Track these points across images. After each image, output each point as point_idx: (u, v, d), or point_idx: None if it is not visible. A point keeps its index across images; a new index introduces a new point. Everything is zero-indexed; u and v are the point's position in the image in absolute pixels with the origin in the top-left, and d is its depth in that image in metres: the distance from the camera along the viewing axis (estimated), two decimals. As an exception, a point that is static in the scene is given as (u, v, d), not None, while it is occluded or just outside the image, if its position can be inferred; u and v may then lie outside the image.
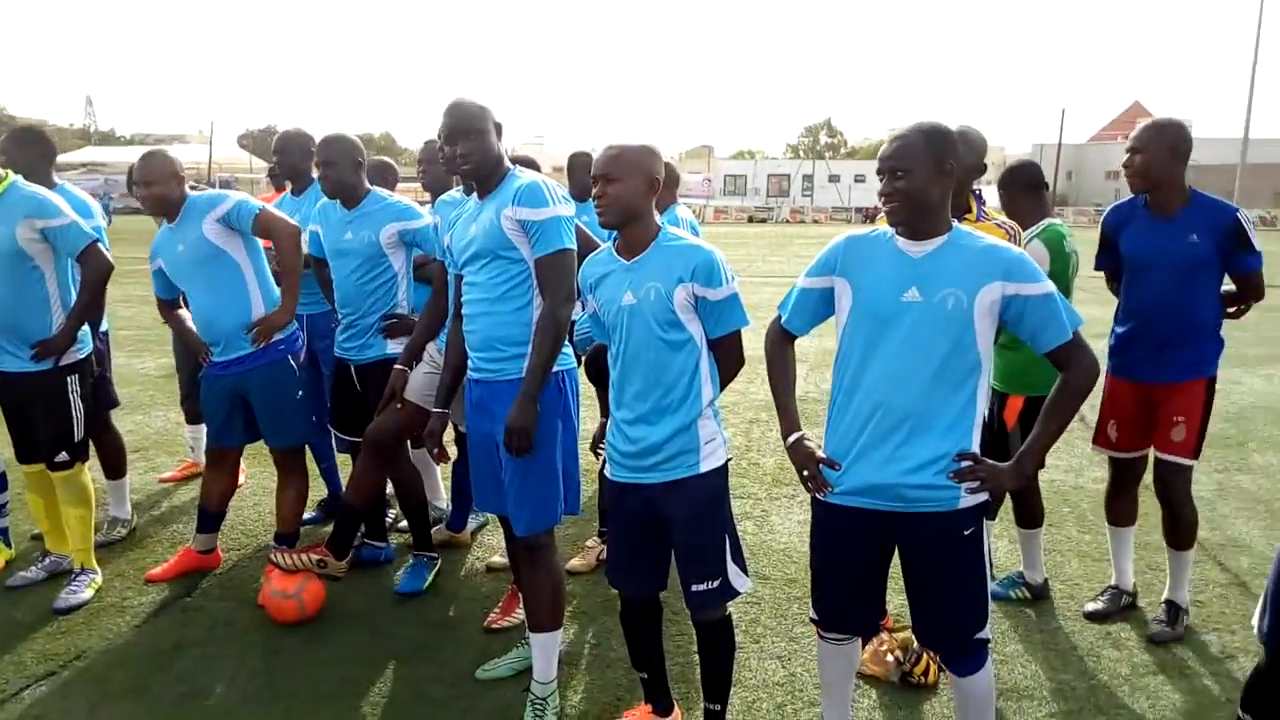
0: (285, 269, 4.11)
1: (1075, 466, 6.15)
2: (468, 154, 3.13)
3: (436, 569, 4.34)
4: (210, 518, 4.47)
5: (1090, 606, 4.06)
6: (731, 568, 2.86)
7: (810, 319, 2.76)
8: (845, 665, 2.85)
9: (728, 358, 2.89)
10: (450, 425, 3.59)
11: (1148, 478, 3.98)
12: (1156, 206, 3.72)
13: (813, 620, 2.80)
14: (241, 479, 5.73)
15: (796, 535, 4.94)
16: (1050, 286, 2.46)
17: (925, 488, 2.49)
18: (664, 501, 2.83)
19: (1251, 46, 43.35)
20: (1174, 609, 3.87)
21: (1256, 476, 5.95)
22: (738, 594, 2.89)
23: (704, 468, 2.82)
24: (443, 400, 3.42)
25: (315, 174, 4.87)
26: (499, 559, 4.47)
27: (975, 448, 2.54)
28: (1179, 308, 3.67)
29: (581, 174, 5.39)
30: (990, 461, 2.52)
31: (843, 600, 2.71)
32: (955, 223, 2.56)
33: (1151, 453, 3.91)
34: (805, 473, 2.66)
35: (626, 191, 2.76)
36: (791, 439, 2.70)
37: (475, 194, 3.26)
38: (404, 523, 4.92)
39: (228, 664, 3.63)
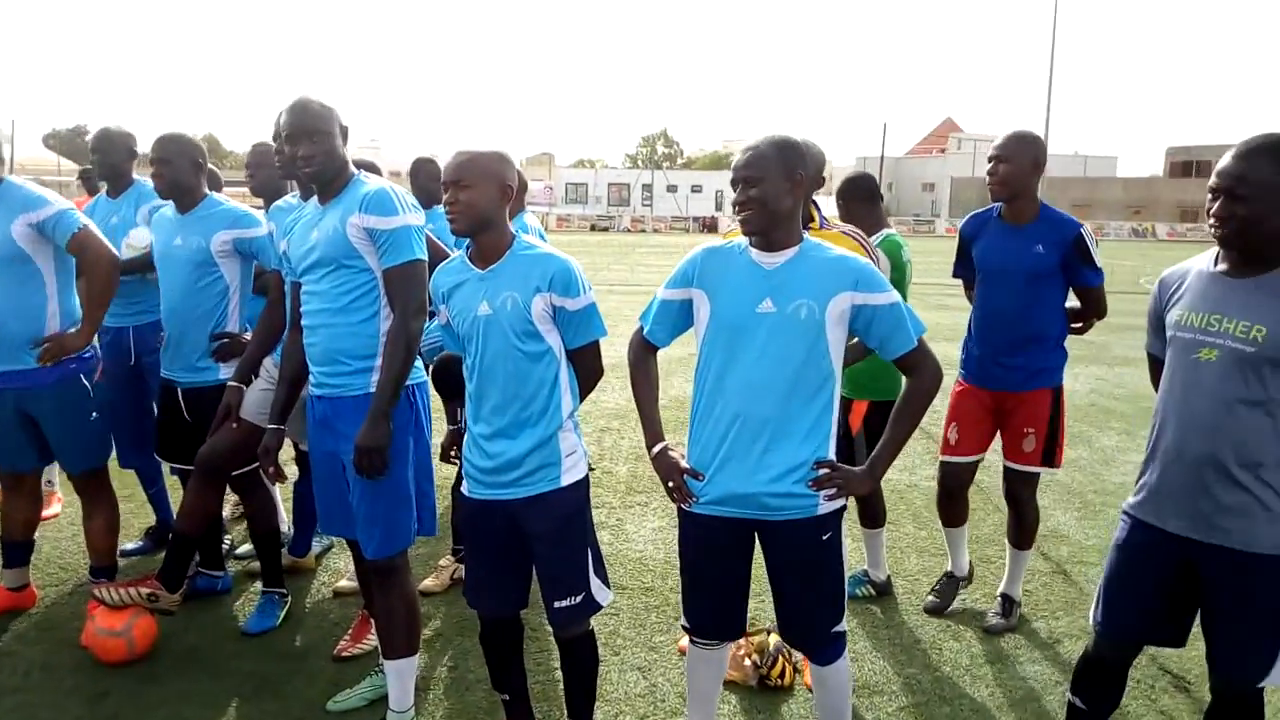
0: (92, 298, 3.76)
1: (909, 465, 6.44)
2: (310, 156, 2.98)
3: (287, 606, 4.07)
4: (17, 550, 4.06)
5: (929, 601, 4.22)
6: (594, 581, 2.82)
7: (671, 330, 2.78)
8: (716, 671, 2.88)
9: (587, 368, 2.85)
10: (289, 443, 3.39)
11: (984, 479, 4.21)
12: (1010, 217, 3.84)
13: (685, 629, 2.81)
14: (57, 507, 5.27)
15: (651, 543, 4.95)
16: (896, 296, 2.57)
17: (786, 496, 2.55)
18: (525, 517, 2.76)
19: (1048, 67, 47.13)
20: (1009, 602, 4.09)
21: (1069, 469, 6.38)
22: (600, 607, 2.87)
23: (565, 481, 2.77)
24: (278, 416, 3.25)
25: (136, 175, 4.55)
26: (346, 583, 4.27)
27: (832, 455, 2.61)
28: (1025, 316, 3.79)
29: (426, 180, 5.23)
30: (845, 467, 2.61)
31: (714, 607, 2.75)
32: (805, 234, 2.62)
33: (1002, 460, 4.03)
34: (670, 484, 2.67)
35: (479, 198, 2.69)
36: (656, 449, 2.71)
37: (315, 198, 3.10)
38: (242, 548, 4.64)
39: (46, 713, 3.30)
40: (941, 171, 69.37)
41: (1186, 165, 61.38)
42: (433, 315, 2.96)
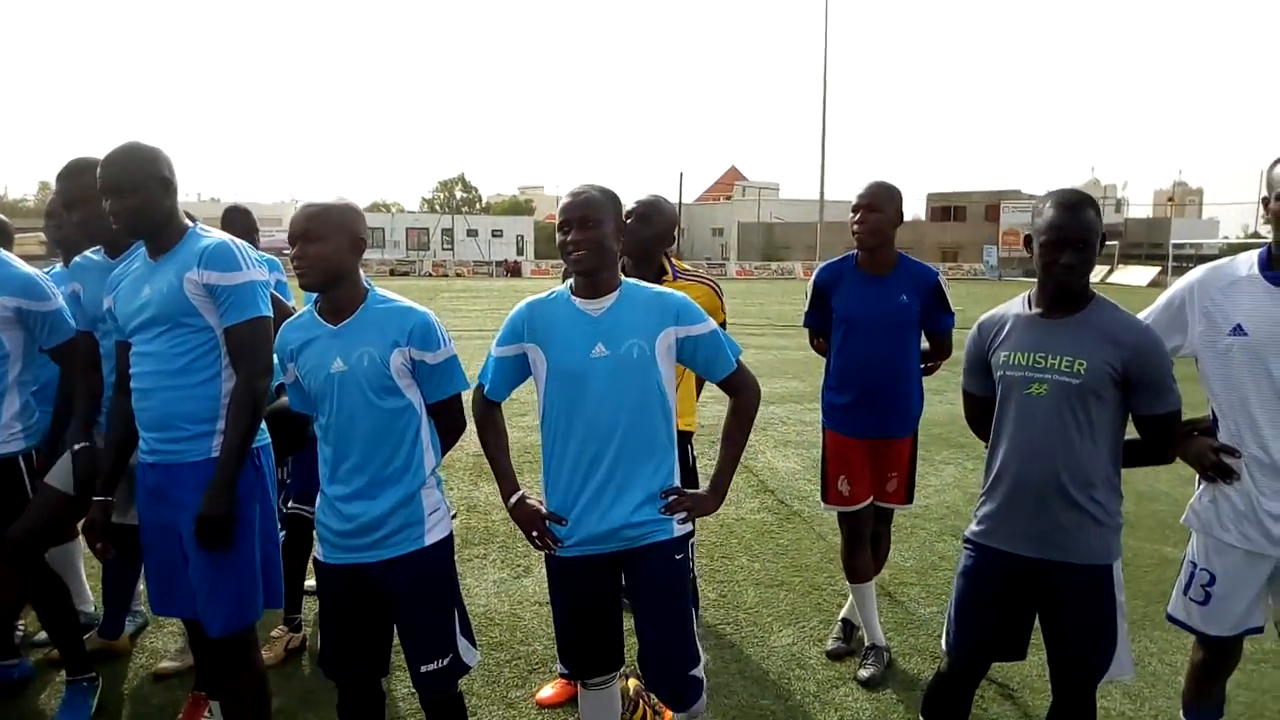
0: None
1: (734, 499, 6.67)
2: (120, 212, 2.79)
3: (98, 691, 3.69)
4: None
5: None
6: (461, 642, 2.77)
7: (510, 384, 2.84)
8: (612, 708, 2.94)
9: (449, 422, 2.82)
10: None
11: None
12: (870, 266, 3.88)
13: (563, 675, 2.83)
14: None
15: (495, 596, 4.87)
16: (713, 324, 2.77)
17: (643, 524, 2.68)
18: (387, 580, 2.68)
19: (820, 120, 50.78)
20: (879, 650, 4.05)
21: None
22: (469, 669, 2.82)
23: (430, 540, 2.72)
24: (107, 485, 2.99)
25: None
26: (169, 663, 3.94)
27: (677, 481, 2.76)
28: (891, 364, 3.87)
29: (240, 232, 4.98)
30: (692, 491, 2.81)
31: (595, 643, 2.80)
32: (623, 278, 2.76)
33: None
34: (533, 532, 2.72)
35: (330, 251, 2.62)
36: (513, 499, 2.76)
37: (145, 252, 2.91)
38: (42, 635, 4.18)
39: None
40: (729, 217, 72.74)
41: (945, 210, 67.23)
42: (282, 372, 2.83)
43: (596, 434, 2.65)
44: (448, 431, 2.83)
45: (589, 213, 2.63)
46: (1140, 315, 2.77)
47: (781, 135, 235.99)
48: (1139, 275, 46.99)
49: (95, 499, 3.00)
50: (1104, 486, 2.62)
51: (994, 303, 3.01)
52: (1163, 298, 2.94)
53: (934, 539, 5.95)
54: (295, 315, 2.79)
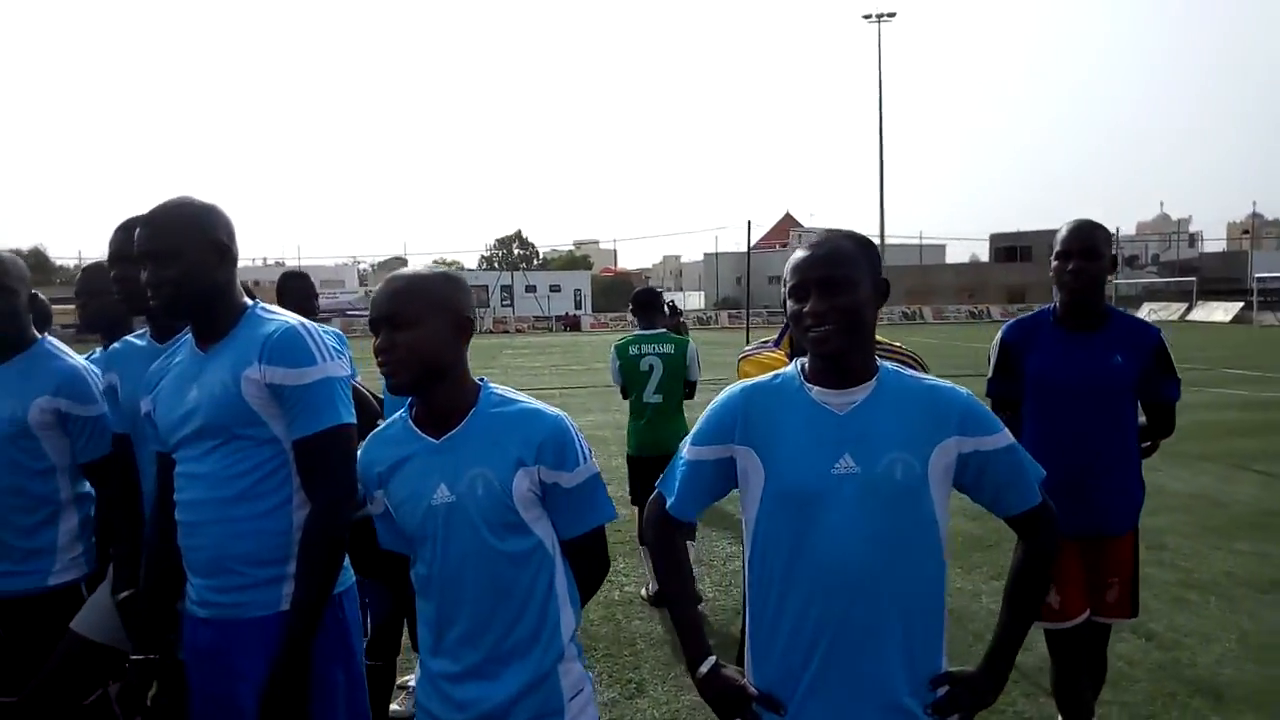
0: None
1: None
2: (158, 284, 2.17)
3: None
4: None
5: None
6: None
7: (705, 498, 2.06)
8: None
9: (589, 564, 2.11)
10: None
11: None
12: (1075, 321, 3.18)
13: None
14: None
15: (606, 724, 4.12)
16: (1009, 436, 1.95)
17: None
18: None
19: (878, 162, 50.10)
20: None
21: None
22: None
23: None
24: (145, 640, 2.35)
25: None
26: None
27: (945, 658, 1.94)
28: (1106, 442, 3.14)
29: (297, 298, 4.42)
30: (967, 676, 1.94)
31: None
32: (881, 362, 1.99)
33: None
34: None
35: (427, 339, 1.95)
36: (705, 668, 1.97)
37: (192, 339, 2.28)
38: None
39: None
40: (787, 264, 71.88)
41: (1010, 250, 65.61)
42: (368, 502, 2.15)
43: (834, 583, 1.85)
44: (589, 578, 2.12)
45: (838, 271, 1.87)
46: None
47: (836, 179, 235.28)
48: (1220, 311, 44.92)
49: (133, 659, 2.36)
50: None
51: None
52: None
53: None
54: (384, 425, 2.12)
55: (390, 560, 2.36)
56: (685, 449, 2.04)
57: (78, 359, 2.92)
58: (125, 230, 2.60)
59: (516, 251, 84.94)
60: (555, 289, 62.13)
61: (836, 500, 1.85)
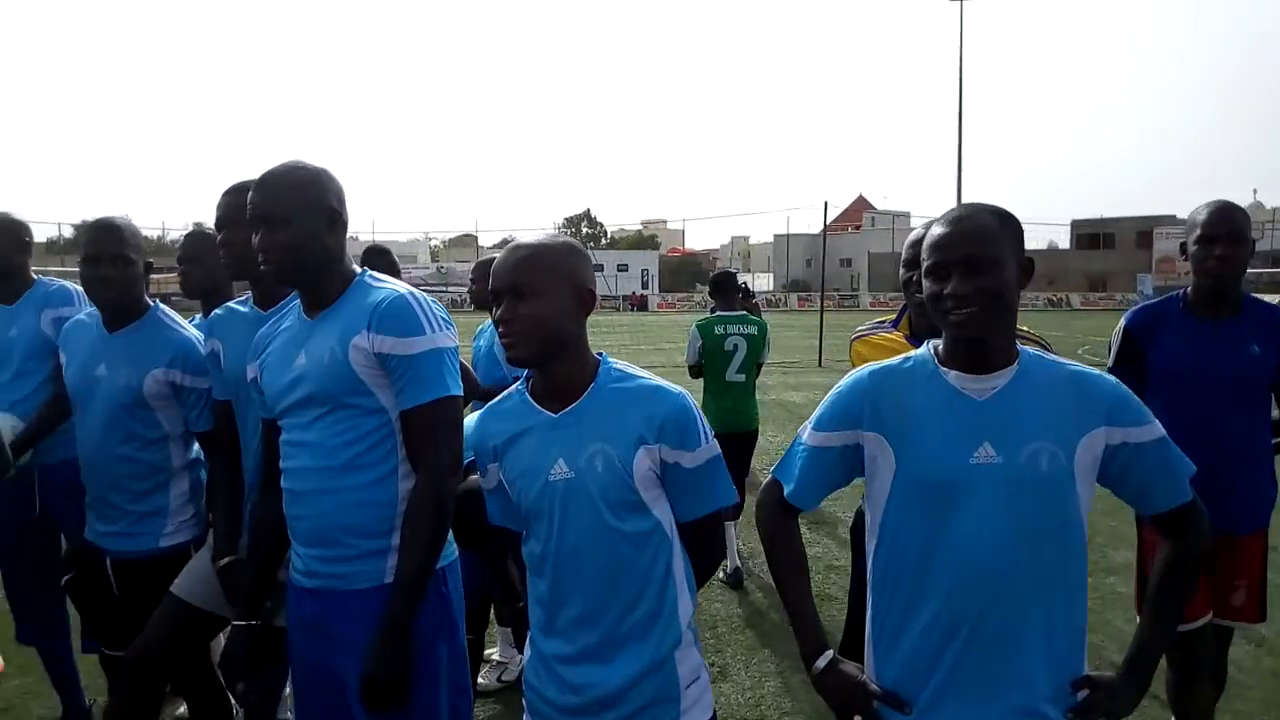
0: None
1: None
2: (270, 248, 2.13)
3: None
4: None
5: None
6: None
7: (826, 486, 1.95)
8: None
9: (704, 548, 2.02)
10: None
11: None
12: (1209, 307, 2.99)
13: None
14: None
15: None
16: (1160, 428, 1.81)
17: None
18: None
19: (956, 144, 48.92)
20: None
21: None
22: None
23: None
24: (247, 608, 2.33)
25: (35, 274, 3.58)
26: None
27: (1086, 660, 1.82)
28: (1237, 435, 2.96)
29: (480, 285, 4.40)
30: (1108, 680, 1.81)
31: None
32: (1022, 346, 1.85)
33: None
34: (854, 718, 1.83)
35: (550, 310, 1.87)
36: (822, 662, 1.87)
37: (301, 305, 2.24)
38: None
39: None
40: (858, 247, 70.97)
41: (1093, 237, 63.71)
42: (482, 475, 2.09)
43: (971, 579, 1.74)
44: (704, 563, 2.03)
45: (983, 250, 1.74)
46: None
47: (910, 160, 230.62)
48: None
49: (234, 625, 2.34)
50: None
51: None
52: None
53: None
54: (501, 397, 2.05)
55: (486, 533, 2.31)
56: (805, 434, 1.93)
57: (190, 329, 2.92)
58: (234, 194, 2.56)
59: (585, 230, 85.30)
60: (623, 268, 62.27)
61: (975, 492, 1.73)
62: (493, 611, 4.26)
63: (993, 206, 1.81)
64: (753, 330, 5.98)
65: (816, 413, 1.92)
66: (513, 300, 1.87)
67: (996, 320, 1.74)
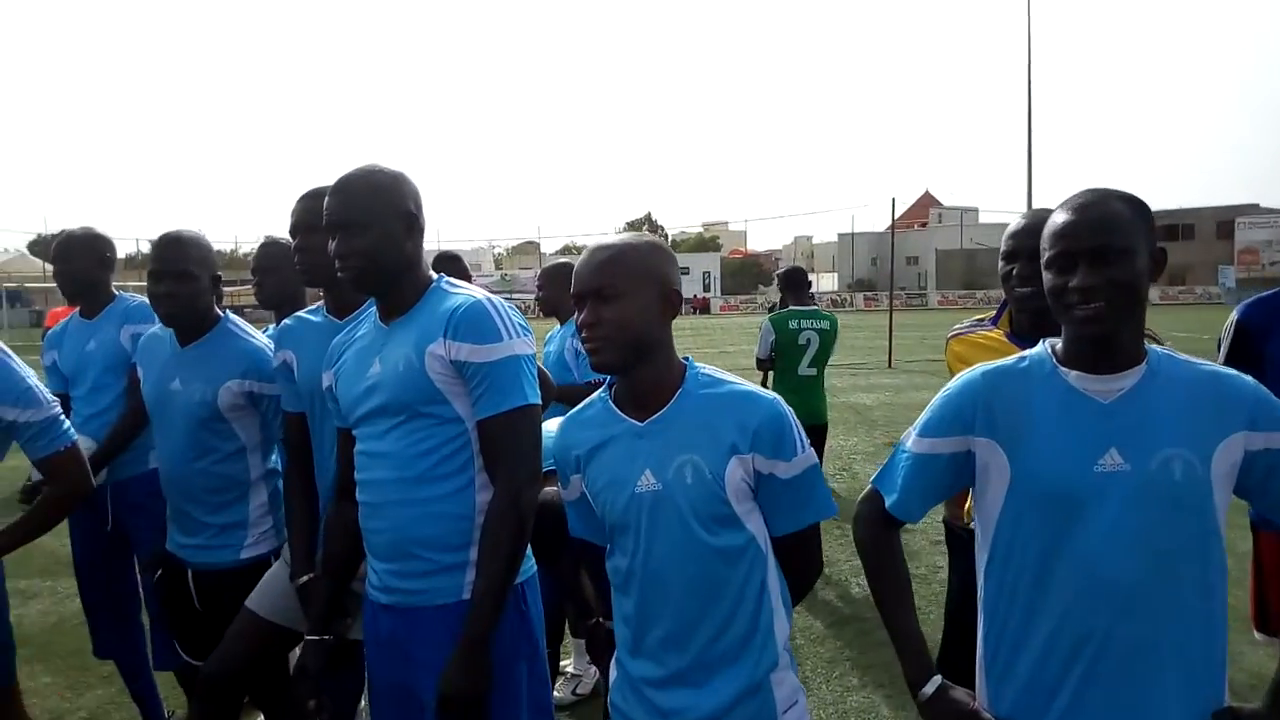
0: (32, 523, 2.56)
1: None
2: (347, 254, 2.07)
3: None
4: None
5: None
6: None
7: (933, 496, 1.82)
8: None
9: (802, 564, 1.90)
10: None
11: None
12: None
13: None
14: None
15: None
16: None
17: None
18: None
19: (1025, 133, 47.72)
20: None
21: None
22: None
23: None
24: (320, 622, 2.27)
25: (116, 289, 3.61)
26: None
27: (1226, 694, 1.64)
28: None
29: (559, 291, 4.37)
30: (1250, 714, 1.64)
31: None
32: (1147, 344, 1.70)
33: None
34: None
35: (635, 314, 1.78)
36: (930, 689, 1.73)
37: (375, 312, 2.18)
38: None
39: None
40: (925, 244, 69.71)
41: (1171, 228, 61.68)
42: (562, 487, 2.00)
43: (1098, 597, 1.59)
44: (800, 580, 1.92)
45: (1113, 240, 1.59)
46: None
47: (978, 154, 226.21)
48: None
49: (308, 640, 2.28)
50: None
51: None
52: None
53: None
54: (583, 405, 1.95)
55: (565, 547, 2.22)
56: (910, 440, 1.79)
57: (261, 337, 2.89)
58: (310, 199, 2.51)
59: (644, 232, 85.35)
60: (684, 271, 61.99)
61: (1101, 502, 1.59)
62: (567, 623, 4.17)
63: (1121, 191, 1.66)
64: (825, 325, 6.10)
65: (923, 417, 1.79)
66: (596, 303, 1.78)
67: (1126, 316, 1.60)
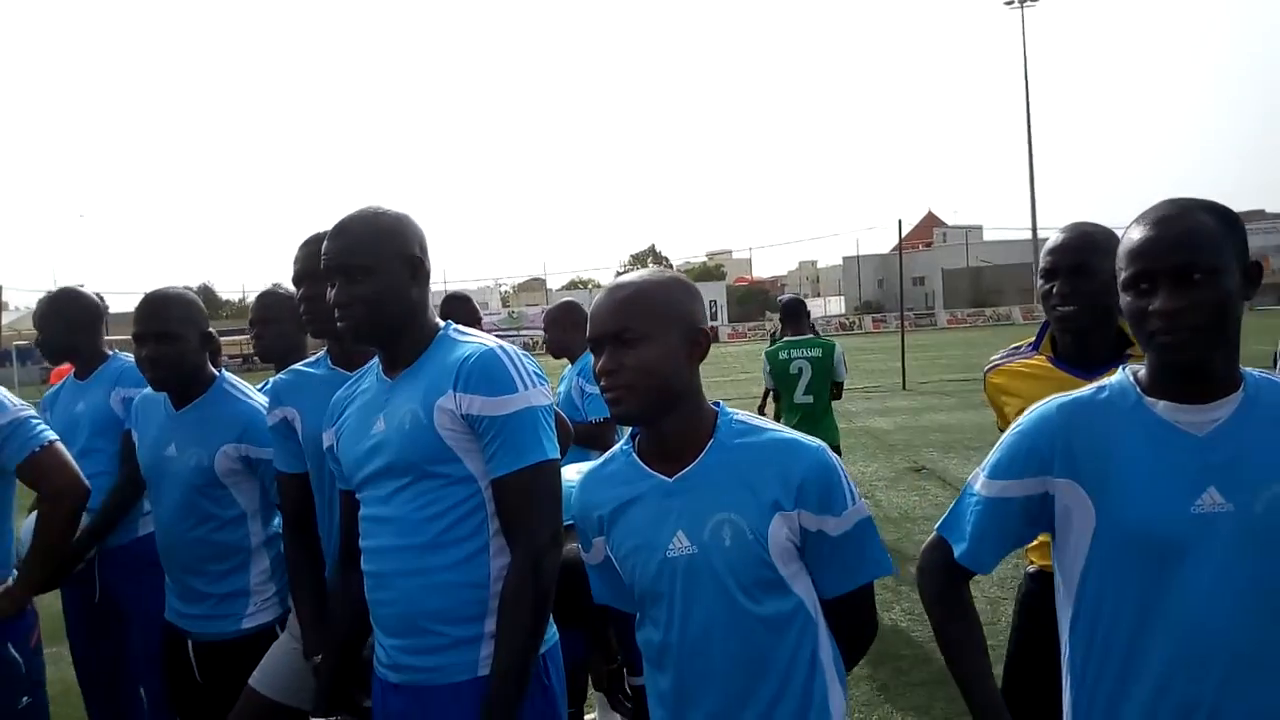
0: (41, 544, 2.56)
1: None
2: (348, 303, 1.91)
3: None
4: None
5: None
6: None
7: (1007, 544, 1.64)
8: None
9: (856, 628, 1.72)
10: None
11: None
12: None
13: None
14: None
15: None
16: None
17: None
18: None
19: (1026, 153, 47.94)
20: None
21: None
22: None
23: None
24: (323, 702, 2.09)
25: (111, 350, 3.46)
26: None
27: None
28: None
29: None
30: None
31: None
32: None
33: None
34: None
35: (657, 358, 1.61)
36: None
37: (380, 365, 2.02)
38: None
39: None
40: (930, 264, 69.62)
41: (1176, 239, 61.62)
42: (584, 551, 1.82)
43: (1203, 654, 1.42)
44: (854, 645, 1.74)
45: (1199, 258, 1.41)
46: None
47: (980, 173, 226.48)
48: None
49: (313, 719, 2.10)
50: None
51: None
52: None
53: None
54: (604, 459, 1.78)
55: (590, 612, 2.05)
56: (979, 484, 1.62)
57: (259, 398, 2.72)
58: (313, 244, 2.33)
59: (651, 266, 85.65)
60: (691, 301, 62.07)
61: (1202, 547, 1.42)
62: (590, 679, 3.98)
63: (1207, 201, 1.50)
64: (816, 352, 6.26)
65: (992, 457, 1.61)
66: (616, 348, 1.61)
67: (1215, 341, 1.43)
